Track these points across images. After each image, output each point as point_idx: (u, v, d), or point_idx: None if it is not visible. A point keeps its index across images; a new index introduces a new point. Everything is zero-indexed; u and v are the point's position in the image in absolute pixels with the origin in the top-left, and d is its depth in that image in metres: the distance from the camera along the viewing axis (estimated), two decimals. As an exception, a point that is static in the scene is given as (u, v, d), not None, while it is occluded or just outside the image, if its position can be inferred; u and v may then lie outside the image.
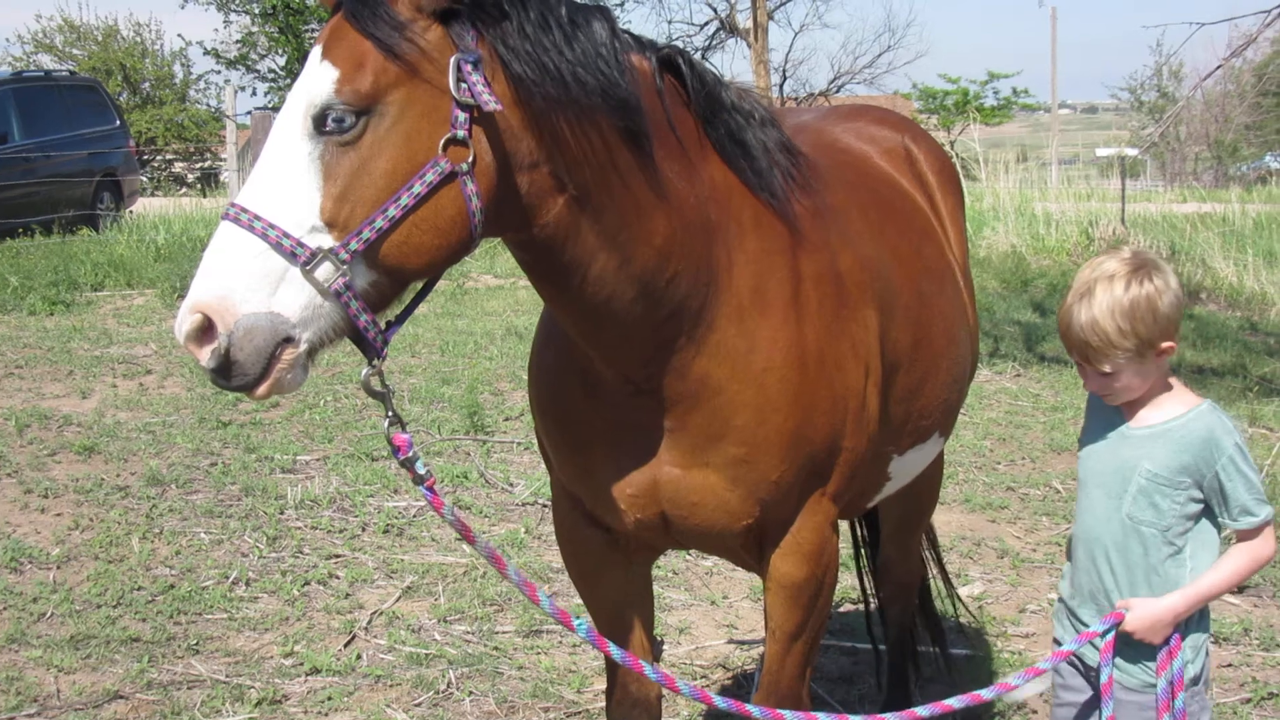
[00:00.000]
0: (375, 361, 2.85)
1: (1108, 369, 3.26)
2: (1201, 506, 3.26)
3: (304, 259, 2.66)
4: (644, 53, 3.14)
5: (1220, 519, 3.26)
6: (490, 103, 2.71)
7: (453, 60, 2.74)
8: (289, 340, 2.68)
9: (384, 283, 2.78)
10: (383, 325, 2.84)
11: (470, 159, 2.75)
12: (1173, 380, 3.35)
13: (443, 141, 2.73)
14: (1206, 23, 12.07)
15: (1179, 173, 46.39)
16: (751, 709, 3.37)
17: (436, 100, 2.75)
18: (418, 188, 2.71)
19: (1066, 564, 3.55)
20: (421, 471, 2.99)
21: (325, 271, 2.67)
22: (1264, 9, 11.57)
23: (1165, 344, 3.24)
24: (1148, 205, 25.18)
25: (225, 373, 2.66)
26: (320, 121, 2.72)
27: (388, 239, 2.71)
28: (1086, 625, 3.39)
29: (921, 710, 3.40)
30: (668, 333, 3.19)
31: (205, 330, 2.66)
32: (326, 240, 2.69)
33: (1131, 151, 37.27)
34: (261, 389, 2.70)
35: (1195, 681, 3.33)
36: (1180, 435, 3.24)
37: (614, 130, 2.95)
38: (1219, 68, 13.44)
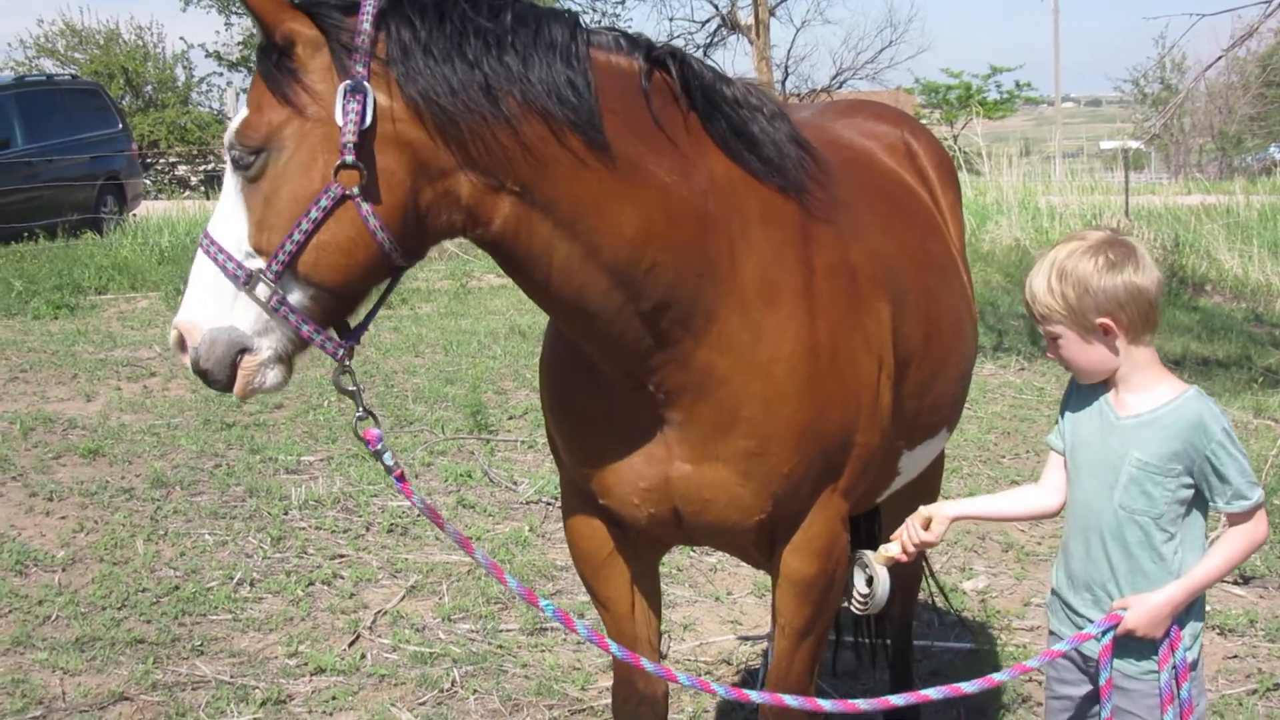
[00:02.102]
0: (347, 363, 3.11)
1: (1042, 327, 3.32)
2: (1193, 493, 3.24)
3: (243, 280, 2.94)
4: (633, 54, 3.18)
5: (1213, 504, 3.24)
6: (350, 133, 2.85)
7: (340, 89, 2.88)
8: (246, 349, 2.99)
9: (321, 296, 2.99)
10: (332, 332, 3.07)
11: (361, 182, 2.89)
12: (1158, 367, 3.32)
13: (335, 168, 2.88)
14: (1208, 14, 12.00)
15: (1183, 165, 46.26)
16: (750, 694, 3.43)
17: (327, 129, 2.91)
18: (314, 213, 2.89)
19: (1058, 555, 3.53)
20: (390, 463, 3.21)
21: (263, 290, 2.94)
22: (1265, -1, 11.52)
23: (1100, 319, 3.21)
24: (1152, 198, 25.12)
25: (203, 377, 3.03)
26: (235, 160, 2.99)
27: (300, 260, 2.92)
28: (1080, 614, 3.37)
29: (932, 692, 3.43)
30: (660, 324, 3.19)
31: (182, 343, 3.05)
32: (258, 263, 2.95)
33: (1135, 144, 37.11)
34: (235, 390, 3.03)
35: (1194, 667, 3.32)
36: (1169, 422, 3.21)
37: (550, 127, 2.98)
38: (1220, 58, 13.41)
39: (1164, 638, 3.25)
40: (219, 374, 2.99)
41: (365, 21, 2.90)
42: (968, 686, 3.41)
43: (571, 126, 2.99)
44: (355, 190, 2.88)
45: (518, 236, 3.04)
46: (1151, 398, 3.27)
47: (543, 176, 2.99)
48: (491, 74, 2.93)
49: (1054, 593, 3.51)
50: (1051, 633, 3.52)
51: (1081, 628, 3.35)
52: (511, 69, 2.95)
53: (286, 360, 3.04)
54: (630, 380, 3.30)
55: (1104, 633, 3.26)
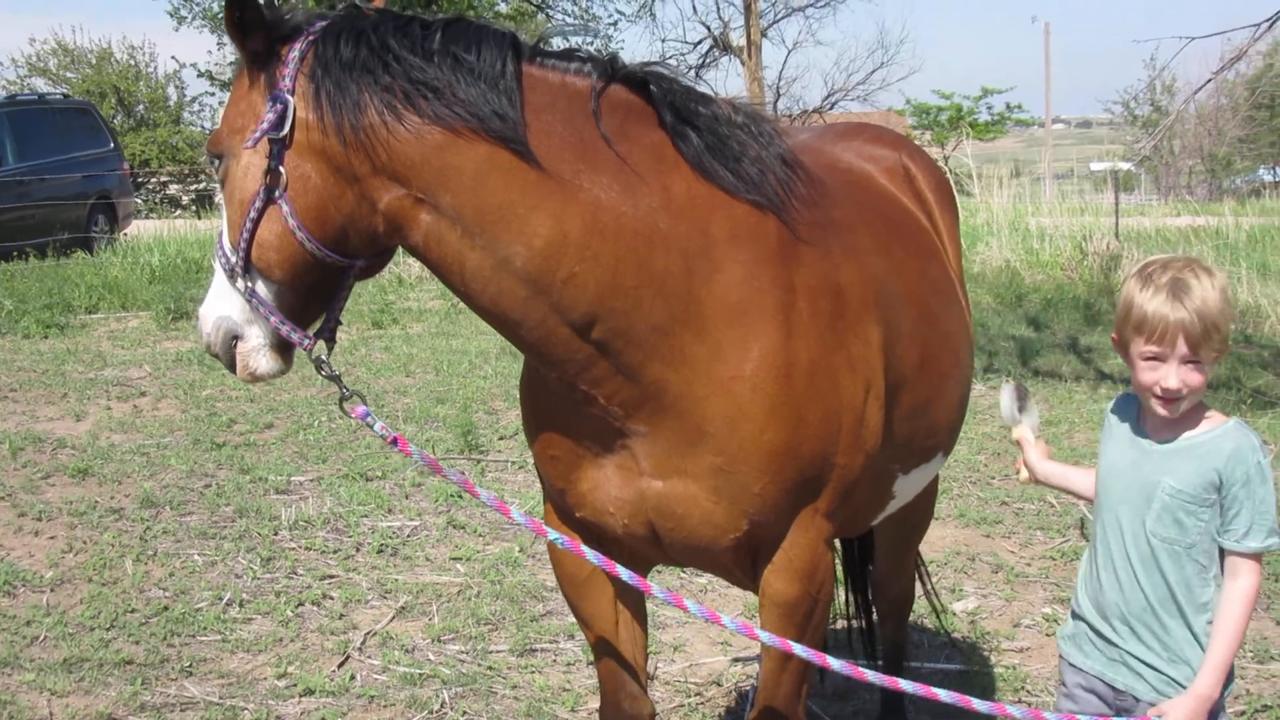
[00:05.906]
0: (315, 356, 3.36)
1: (1201, 357, 3.11)
2: None
3: (228, 273, 3.27)
4: (592, 74, 3.25)
5: (1219, 538, 3.15)
6: (251, 140, 3.16)
7: (268, 100, 3.17)
8: (238, 336, 3.31)
9: (279, 290, 3.25)
10: (300, 322, 3.30)
11: (283, 182, 3.15)
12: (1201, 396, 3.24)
13: (263, 171, 3.16)
14: (1198, 36, 12.11)
15: (1173, 186, 46.43)
16: (761, 633, 3.47)
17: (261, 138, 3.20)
18: (252, 212, 3.18)
19: (1082, 585, 3.44)
20: (381, 432, 3.46)
21: (240, 283, 3.24)
22: (1254, 22, 11.60)
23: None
24: (1141, 219, 25.19)
25: (219, 361, 3.39)
26: (212, 166, 3.37)
27: (251, 255, 3.21)
28: (1119, 647, 3.29)
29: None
30: (592, 335, 3.21)
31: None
32: (236, 257, 3.24)
33: (1125, 165, 37.17)
34: (237, 373, 3.37)
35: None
36: (1207, 451, 3.13)
37: (452, 137, 3.10)
38: (1209, 81, 13.47)
39: None
40: (224, 358, 3.34)
41: (301, 41, 3.17)
42: (978, 704, 3.39)
43: (479, 138, 3.10)
44: (278, 192, 3.15)
45: (428, 244, 3.18)
46: (1189, 425, 3.20)
47: (445, 185, 3.11)
48: (398, 88, 3.10)
49: (1076, 619, 3.42)
50: (1071, 665, 3.43)
51: (1120, 660, 3.28)
52: (419, 82, 3.10)
53: (278, 349, 3.32)
54: (575, 392, 3.31)
55: None
